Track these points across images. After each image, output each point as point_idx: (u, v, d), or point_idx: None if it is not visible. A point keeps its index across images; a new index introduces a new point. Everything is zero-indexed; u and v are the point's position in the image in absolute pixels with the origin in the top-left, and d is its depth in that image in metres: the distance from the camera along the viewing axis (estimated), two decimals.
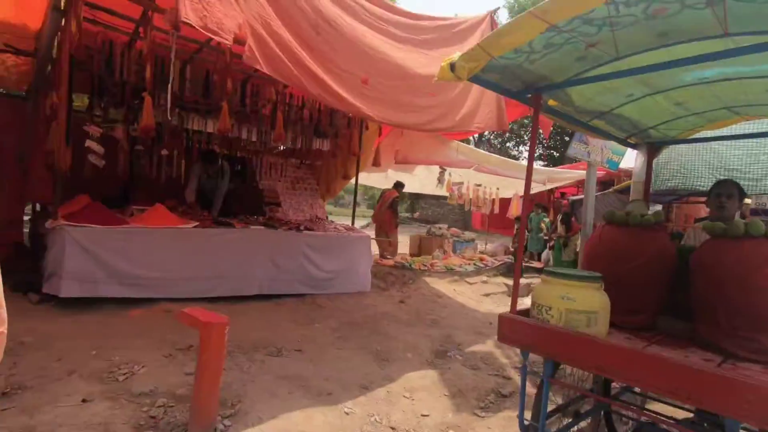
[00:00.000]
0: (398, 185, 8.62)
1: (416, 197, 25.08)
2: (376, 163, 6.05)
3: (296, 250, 5.31)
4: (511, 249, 8.85)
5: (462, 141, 7.45)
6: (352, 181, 6.72)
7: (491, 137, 26.42)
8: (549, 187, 9.87)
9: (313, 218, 6.48)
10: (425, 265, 7.28)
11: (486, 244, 12.92)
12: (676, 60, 1.77)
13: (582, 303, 1.98)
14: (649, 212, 2.62)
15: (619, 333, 2.41)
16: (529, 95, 2.22)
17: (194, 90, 4.81)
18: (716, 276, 2.13)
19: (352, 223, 6.43)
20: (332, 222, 6.50)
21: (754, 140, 3.40)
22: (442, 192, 9.43)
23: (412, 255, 8.79)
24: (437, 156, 7.12)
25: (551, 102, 2.47)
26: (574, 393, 2.52)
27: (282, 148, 7.38)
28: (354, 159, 6.37)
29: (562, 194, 12.62)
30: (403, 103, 4.28)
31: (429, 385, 3.55)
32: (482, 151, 8.11)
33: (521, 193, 10.69)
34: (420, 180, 8.44)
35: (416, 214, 26.38)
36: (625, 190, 4.96)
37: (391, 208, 8.44)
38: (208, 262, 4.56)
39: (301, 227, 5.41)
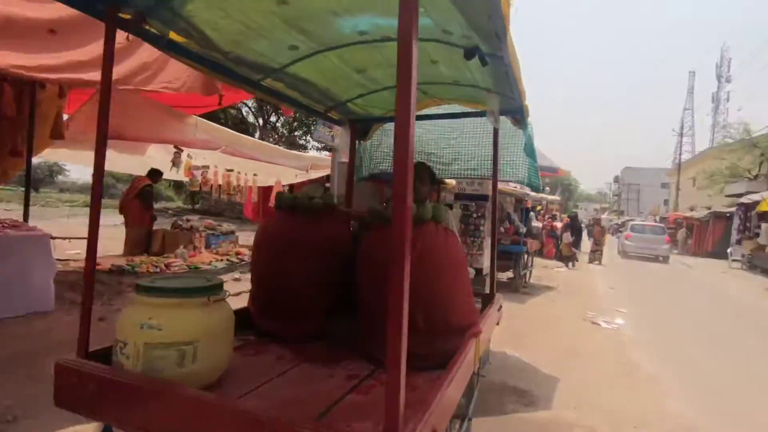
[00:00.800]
0: (154, 173, 7.02)
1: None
2: (57, 136, 4.39)
3: None
4: None
5: (204, 117, 6.28)
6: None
7: (278, 124, 25.46)
8: (315, 175, 9.62)
9: None
10: (157, 267, 5.90)
11: None
12: None
13: (172, 331, 1.30)
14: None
15: (279, 349, 1.89)
16: (102, 7, 1.40)
17: None
18: (369, 269, 1.78)
19: (25, 217, 4.58)
20: None
21: (446, 126, 3.49)
22: (179, 176, 8.05)
23: (155, 254, 7.20)
24: (169, 133, 5.78)
25: (175, 35, 1.72)
26: None
27: None
28: (25, 129, 4.49)
29: None
30: None
31: None
32: (231, 131, 7.12)
33: (285, 181, 10.21)
34: (156, 163, 6.92)
35: (197, 206, 23.54)
36: (379, 177, 4.46)
37: (140, 198, 6.79)
38: None
39: None
